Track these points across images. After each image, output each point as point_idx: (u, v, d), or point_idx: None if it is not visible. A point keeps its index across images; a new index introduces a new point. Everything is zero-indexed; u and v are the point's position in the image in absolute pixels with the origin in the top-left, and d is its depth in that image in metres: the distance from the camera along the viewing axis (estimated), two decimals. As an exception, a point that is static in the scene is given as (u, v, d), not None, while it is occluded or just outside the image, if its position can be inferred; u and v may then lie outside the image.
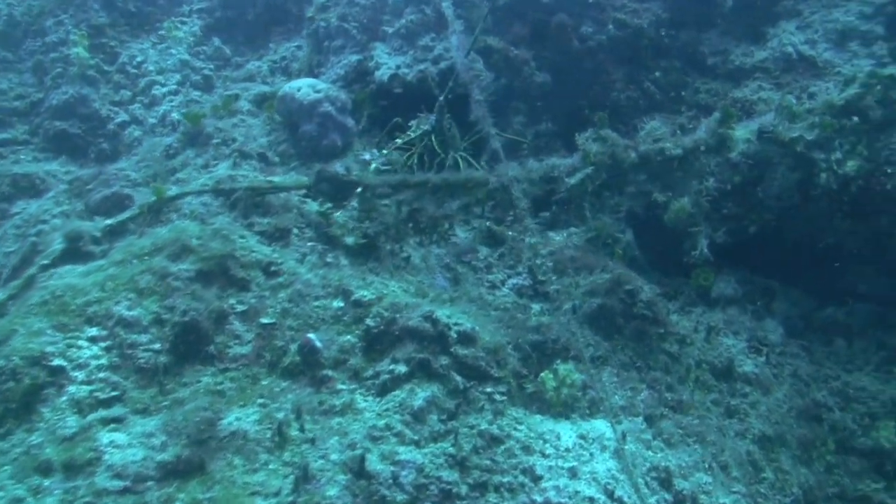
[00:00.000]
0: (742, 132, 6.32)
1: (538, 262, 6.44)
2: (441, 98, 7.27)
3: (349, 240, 6.53)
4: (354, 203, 6.80)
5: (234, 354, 5.35)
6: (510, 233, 7.67)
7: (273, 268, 6.00)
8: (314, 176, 6.69)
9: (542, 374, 5.29)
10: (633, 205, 6.54)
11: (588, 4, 7.96)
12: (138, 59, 10.20)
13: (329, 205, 6.92)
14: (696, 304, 7.22)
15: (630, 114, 8.05)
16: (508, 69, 8.08)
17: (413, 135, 7.71)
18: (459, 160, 7.49)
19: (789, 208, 6.22)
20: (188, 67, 10.04)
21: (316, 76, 8.98)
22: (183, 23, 10.48)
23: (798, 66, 7.58)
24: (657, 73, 8.10)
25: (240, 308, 5.62)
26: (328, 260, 6.37)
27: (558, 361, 5.52)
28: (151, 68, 10.08)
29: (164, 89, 9.82)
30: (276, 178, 7.27)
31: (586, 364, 5.32)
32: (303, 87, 7.99)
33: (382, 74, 8.24)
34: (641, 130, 6.62)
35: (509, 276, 7.35)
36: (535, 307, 7.05)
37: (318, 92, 7.94)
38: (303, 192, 7.02)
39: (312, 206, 7.02)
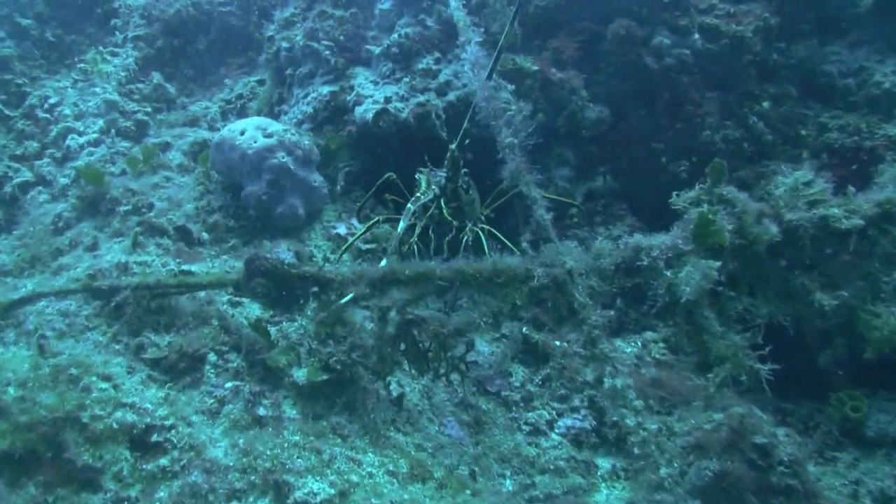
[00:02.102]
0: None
1: (609, 387, 3.83)
2: (454, 145, 4.72)
3: (299, 374, 3.89)
4: (313, 311, 4.20)
5: None
6: (557, 342, 5.04)
7: (155, 437, 3.37)
8: (243, 266, 4.09)
9: None
10: (773, 311, 3.89)
11: (663, 4, 5.43)
12: (52, 100, 7.74)
13: (270, 313, 4.32)
14: (843, 448, 4.70)
15: (729, 162, 5.45)
16: (548, 100, 5.55)
17: (414, 201, 5.17)
18: (482, 237, 4.89)
19: None
20: (116, 110, 7.53)
21: (277, 117, 6.47)
22: (114, 54, 8.02)
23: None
24: (765, 104, 5.53)
25: (67, 537, 3.01)
26: (261, 413, 3.73)
27: None
28: (68, 112, 7.60)
29: (83, 139, 7.31)
30: (195, 269, 4.67)
31: None
32: (248, 130, 5.45)
33: (365, 111, 5.71)
34: (776, 186, 4.02)
35: (560, 414, 4.75)
36: (604, 465, 4.45)
37: (268, 136, 5.40)
38: (231, 291, 4.42)
39: (252, 311, 4.42)
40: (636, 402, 3.55)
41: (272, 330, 4.22)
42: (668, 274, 3.74)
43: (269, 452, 3.36)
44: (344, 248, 5.03)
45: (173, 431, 3.37)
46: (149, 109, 7.67)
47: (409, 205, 4.46)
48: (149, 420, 3.36)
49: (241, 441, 3.40)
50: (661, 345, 5.36)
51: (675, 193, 4.16)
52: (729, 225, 3.70)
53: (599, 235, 5.53)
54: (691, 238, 3.77)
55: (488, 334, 4.89)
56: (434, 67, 5.84)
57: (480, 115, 4.50)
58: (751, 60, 5.49)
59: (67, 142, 7.31)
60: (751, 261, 3.88)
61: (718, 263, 3.60)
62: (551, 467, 4.38)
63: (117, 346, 4.02)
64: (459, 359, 4.01)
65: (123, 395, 3.46)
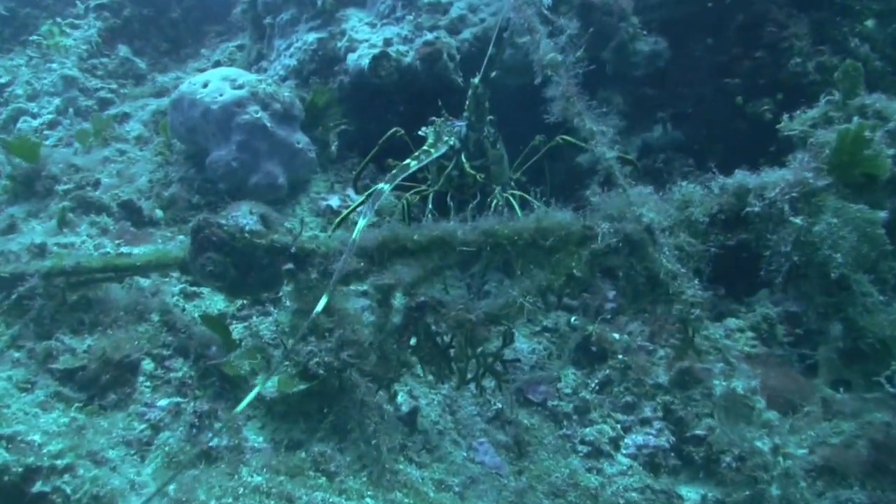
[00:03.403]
0: None
1: (724, 393, 2.63)
2: (477, 78, 3.58)
3: (270, 386, 2.72)
4: (289, 296, 3.03)
5: None
6: (616, 335, 3.88)
7: (39, 485, 2.21)
8: (190, 236, 2.93)
9: None
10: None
11: None
12: (2, 80, 6.66)
13: (238, 305, 3.17)
14: None
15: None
16: (589, 29, 4.36)
17: (419, 157, 3.99)
18: (513, 202, 3.71)
19: None
20: (75, 88, 6.43)
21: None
22: (74, 26, 6.93)
23: None
24: (868, 22, 4.32)
25: None
26: (212, 443, 2.56)
27: None
28: (20, 92, 6.51)
29: (37, 122, 6.21)
30: (136, 251, 3.52)
31: None
32: (212, 82, 4.31)
33: (360, 58, 4.56)
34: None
35: (627, 429, 3.56)
36: (691, 497, 3.29)
37: (238, 88, 4.26)
38: (183, 276, 3.28)
39: (214, 304, 3.27)
40: (767, 415, 2.35)
41: (237, 328, 3.08)
42: (798, 222, 2.54)
43: None
44: (337, 220, 3.87)
45: (68, 476, 2.20)
46: (114, 86, 6.57)
47: (409, 160, 3.29)
48: (31, 460, 2.20)
49: (172, 488, 2.23)
50: (750, 334, 4.15)
51: (785, 117, 2.97)
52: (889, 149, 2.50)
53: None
54: (827, 168, 2.57)
55: (531, 324, 3.72)
56: (444, 0, 4.69)
57: (510, 31, 3.35)
58: (851, -35, 4.31)
59: (19, 125, 6.22)
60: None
61: (883, 214, 2.41)
62: (621, 501, 3.20)
63: (17, 354, 2.88)
64: (494, 356, 2.82)
65: (2, 424, 2.31)
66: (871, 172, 2.49)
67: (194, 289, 3.40)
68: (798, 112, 2.89)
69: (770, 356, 3.86)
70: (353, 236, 2.42)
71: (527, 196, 4.12)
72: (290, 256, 2.93)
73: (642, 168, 4.43)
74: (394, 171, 2.99)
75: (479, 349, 2.77)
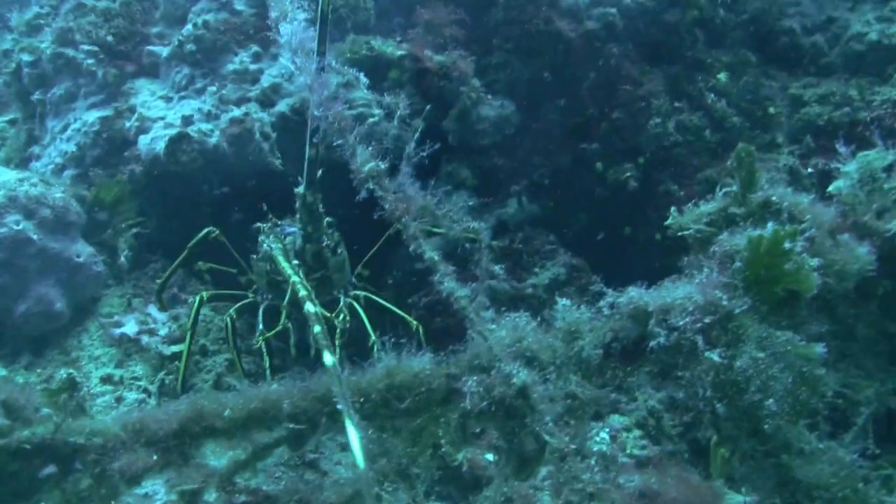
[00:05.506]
0: None
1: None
2: (301, 187, 2.91)
3: None
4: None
5: None
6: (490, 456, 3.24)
7: None
8: None
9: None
10: (880, 392, 2.24)
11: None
12: None
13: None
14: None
15: (690, 158, 3.89)
16: (426, 98, 3.78)
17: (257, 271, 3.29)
18: (359, 310, 3.06)
19: None
20: None
21: (28, 164, 4.34)
22: None
23: None
24: (721, 76, 4.00)
25: None
26: None
27: None
28: None
29: None
30: None
31: None
32: (-44, 186, 3.34)
33: (154, 141, 3.73)
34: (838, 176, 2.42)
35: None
36: None
37: (-8, 192, 3.32)
38: None
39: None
40: None
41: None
42: (716, 358, 2.01)
43: None
44: (181, 369, 3.12)
45: None
46: None
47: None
48: None
49: None
50: (637, 433, 3.62)
51: (673, 210, 2.46)
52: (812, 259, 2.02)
53: (524, 281, 3.79)
54: (742, 285, 2.06)
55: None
56: (252, 67, 3.95)
57: (322, 132, 2.67)
58: (696, 18, 3.96)
59: None
60: (833, 309, 2.22)
61: (821, 349, 1.92)
62: None
63: None
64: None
65: None
66: (798, 288, 2.00)
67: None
68: (690, 206, 2.40)
69: (662, 457, 3.39)
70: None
71: (371, 296, 3.47)
72: (50, 456, 2.09)
73: (499, 250, 3.87)
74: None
75: (326, 560, 2.05)
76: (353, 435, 1.70)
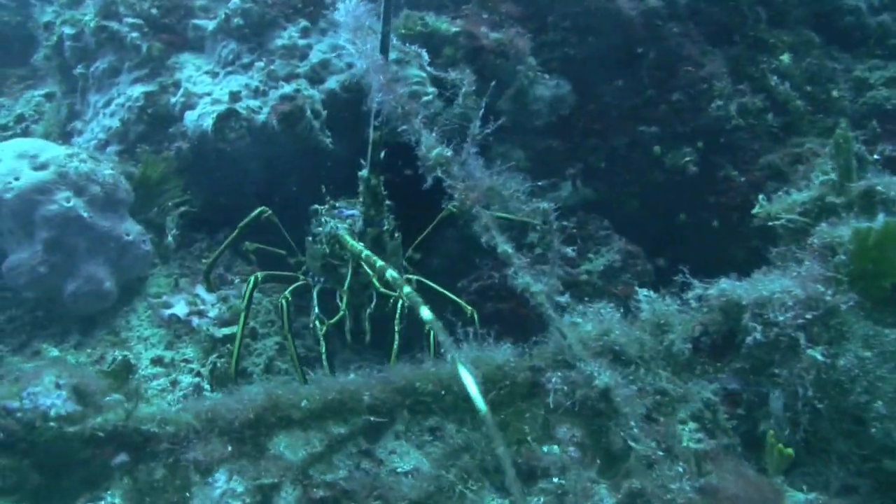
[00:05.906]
0: None
1: None
2: (365, 171, 2.82)
3: None
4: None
5: None
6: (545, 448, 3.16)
7: None
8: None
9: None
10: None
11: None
12: None
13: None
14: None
15: (751, 143, 3.76)
16: (480, 76, 3.67)
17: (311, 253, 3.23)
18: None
19: None
20: None
21: (69, 139, 4.27)
22: None
23: None
24: (783, 57, 3.87)
25: None
26: None
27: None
28: None
29: None
30: None
31: None
32: (3, 160, 3.26)
33: (201, 118, 3.65)
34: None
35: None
36: None
37: (41, 168, 3.25)
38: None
39: None
40: None
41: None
42: (818, 356, 1.91)
43: None
44: (234, 352, 3.06)
45: None
46: None
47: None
48: None
49: None
50: (693, 425, 3.55)
51: (762, 198, 2.36)
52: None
53: (578, 267, 3.70)
54: (845, 279, 1.96)
55: None
56: (301, 42, 3.85)
57: (384, 115, 2.59)
58: (757, -2, 3.82)
59: None
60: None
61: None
62: None
63: None
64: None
65: None
66: (905, 283, 1.91)
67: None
68: (780, 192, 2.30)
69: (718, 451, 3.31)
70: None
71: (424, 280, 3.40)
72: (121, 445, 2.03)
73: (556, 231, 3.77)
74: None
75: (405, 557, 1.98)
76: (468, 378, 1.63)
